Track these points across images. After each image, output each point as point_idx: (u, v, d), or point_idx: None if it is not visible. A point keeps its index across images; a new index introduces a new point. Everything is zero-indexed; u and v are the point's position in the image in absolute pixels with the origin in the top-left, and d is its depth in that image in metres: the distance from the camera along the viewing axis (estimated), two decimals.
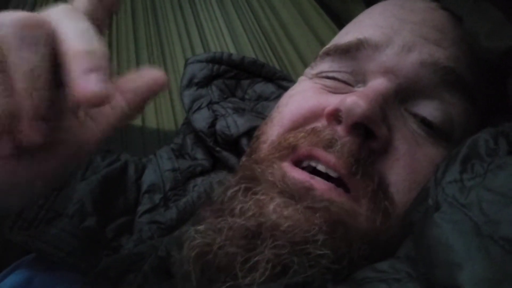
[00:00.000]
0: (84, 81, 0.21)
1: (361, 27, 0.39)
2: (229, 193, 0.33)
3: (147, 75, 0.26)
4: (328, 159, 0.32)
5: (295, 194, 0.31)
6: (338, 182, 0.32)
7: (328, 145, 0.32)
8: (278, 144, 0.36)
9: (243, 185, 0.32)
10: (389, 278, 0.25)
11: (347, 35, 0.39)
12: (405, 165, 0.33)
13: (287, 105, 0.39)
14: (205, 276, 0.29)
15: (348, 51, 0.37)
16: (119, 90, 0.25)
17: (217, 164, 0.52)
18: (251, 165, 0.35)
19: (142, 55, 0.72)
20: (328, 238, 0.29)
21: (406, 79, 0.35)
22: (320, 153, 0.33)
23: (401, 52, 0.35)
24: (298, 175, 0.32)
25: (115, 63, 0.71)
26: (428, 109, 0.35)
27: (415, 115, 0.35)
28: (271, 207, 0.30)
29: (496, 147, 0.27)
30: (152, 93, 0.26)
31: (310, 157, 0.33)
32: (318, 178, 0.32)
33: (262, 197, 0.31)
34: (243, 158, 0.41)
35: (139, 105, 0.26)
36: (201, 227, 0.31)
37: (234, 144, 0.51)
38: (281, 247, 0.28)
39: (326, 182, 0.32)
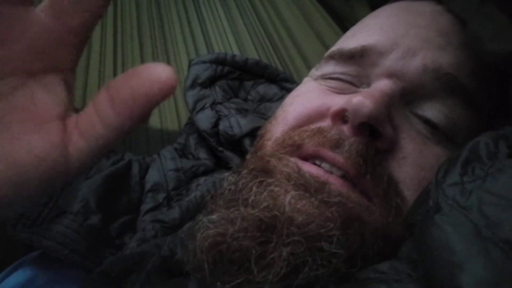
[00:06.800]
0: None
1: (367, 31, 0.39)
2: (241, 184, 0.32)
3: (147, 74, 0.19)
4: (336, 160, 0.32)
5: (311, 187, 0.30)
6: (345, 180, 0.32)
7: (336, 145, 0.32)
8: (282, 141, 0.35)
9: (258, 177, 0.32)
10: (390, 279, 0.25)
11: (352, 38, 0.39)
12: (413, 163, 0.33)
13: (292, 105, 0.39)
14: (217, 267, 0.29)
15: (352, 57, 0.37)
16: (110, 99, 0.20)
17: (220, 164, 0.53)
18: (263, 157, 0.35)
19: (147, 56, 0.73)
20: (342, 233, 0.28)
21: (410, 83, 0.35)
22: (328, 153, 0.32)
23: (405, 57, 0.35)
24: (313, 169, 0.32)
25: (120, 65, 0.71)
26: (432, 112, 0.35)
27: (419, 117, 0.35)
28: (286, 199, 0.29)
29: (496, 150, 0.27)
30: (155, 100, 0.19)
31: (316, 156, 0.33)
32: (332, 175, 0.32)
33: (277, 189, 0.30)
34: (248, 156, 0.41)
35: (137, 118, 0.20)
36: (214, 217, 0.31)
37: (237, 145, 0.52)
38: (297, 244, 0.27)
39: (340, 178, 0.32)
